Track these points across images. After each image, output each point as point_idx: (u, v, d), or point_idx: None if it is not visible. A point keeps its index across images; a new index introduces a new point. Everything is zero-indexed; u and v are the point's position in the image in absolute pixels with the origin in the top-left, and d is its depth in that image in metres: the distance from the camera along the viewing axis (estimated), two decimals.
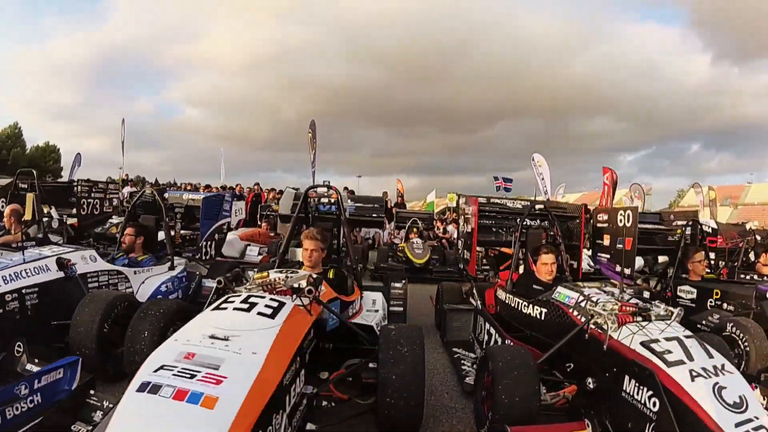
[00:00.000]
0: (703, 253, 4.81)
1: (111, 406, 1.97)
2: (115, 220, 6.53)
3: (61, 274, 3.21)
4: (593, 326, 2.61)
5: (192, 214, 4.93)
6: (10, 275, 2.90)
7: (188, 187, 14.04)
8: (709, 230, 6.25)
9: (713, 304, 4.34)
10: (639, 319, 2.53)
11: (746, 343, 3.44)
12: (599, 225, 5.47)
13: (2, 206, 5.18)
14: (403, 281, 4.56)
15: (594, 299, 2.80)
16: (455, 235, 8.86)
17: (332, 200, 4.29)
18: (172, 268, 4.29)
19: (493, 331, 3.59)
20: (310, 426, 2.13)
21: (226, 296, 2.25)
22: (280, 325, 1.89)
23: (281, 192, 10.23)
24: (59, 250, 3.42)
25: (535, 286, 3.71)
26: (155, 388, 1.46)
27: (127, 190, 12.43)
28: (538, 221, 4.99)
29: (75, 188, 5.20)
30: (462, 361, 3.73)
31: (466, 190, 20.80)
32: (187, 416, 1.37)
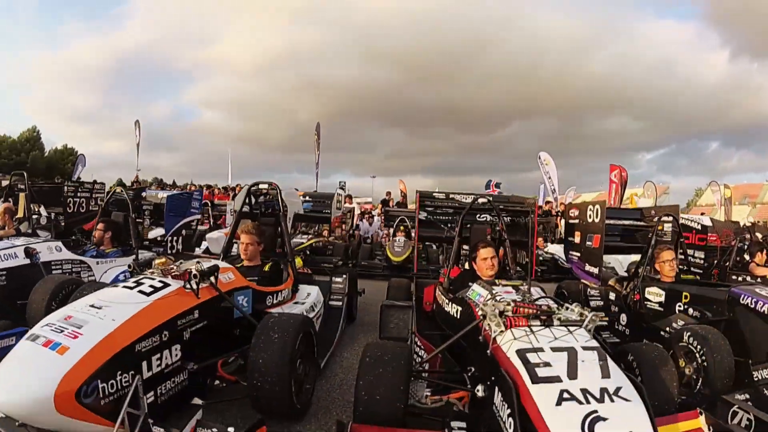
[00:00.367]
0: (672, 251, 4.35)
1: None
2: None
3: (27, 261, 3.79)
4: (487, 327, 2.38)
5: (161, 211, 5.49)
6: None
7: (192, 188, 14.85)
8: (698, 227, 6.02)
9: (682, 308, 3.82)
10: (536, 323, 2.25)
11: (704, 357, 2.89)
12: (571, 221, 5.30)
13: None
14: (344, 276, 4.78)
15: (498, 298, 2.61)
16: None
17: (270, 197, 4.56)
18: (136, 260, 4.84)
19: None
20: (196, 400, 2.41)
21: (134, 278, 2.72)
22: (150, 301, 2.31)
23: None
24: (29, 240, 4.01)
25: (470, 283, 3.52)
26: (35, 337, 1.97)
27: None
28: (489, 216, 4.86)
29: (63, 189, 5.84)
30: None
31: (479, 190, 20.92)
32: (45, 358, 1.85)
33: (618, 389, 1.80)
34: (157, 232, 6.43)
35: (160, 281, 2.56)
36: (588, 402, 1.73)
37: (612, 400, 1.74)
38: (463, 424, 2.22)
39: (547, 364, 1.94)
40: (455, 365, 3.02)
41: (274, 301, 3.62)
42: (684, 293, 3.84)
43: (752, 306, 3.25)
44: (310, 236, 9.24)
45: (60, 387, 1.78)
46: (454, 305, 3.39)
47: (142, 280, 2.56)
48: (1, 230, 5.29)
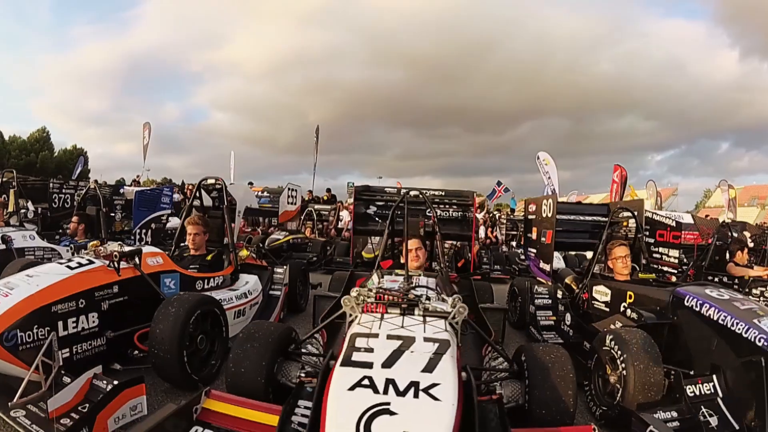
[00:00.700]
0: (625, 248, 4.04)
1: None
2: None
3: (3, 247, 4.45)
4: (348, 312, 2.34)
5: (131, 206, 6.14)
6: None
7: (189, 188, 15.60)
8: (673, 224, 5.44)
9: (625, 308, 3.51)
10: (396, 311, 2.20)
11: (624, 365, 2.50)
12: (529, 216, 5.24)
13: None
14: (285, 267, 5.10)
15: (386, 286, 2.65)
16: None
17: (217, 189, 4.90)
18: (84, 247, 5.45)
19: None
20: (116, 366, 2.86)
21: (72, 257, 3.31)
22: (70, 274, 2.86)
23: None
24: (7, 229, 4.68)
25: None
26: None
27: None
28: (439, 211, 5.00)
29: (49, 185, 6.53)
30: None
31: (488, 191, 21.19)
32: None
33: (433, 386, 1.62)
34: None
35: (88, 260, 3.11)
36: (385, 393, 1.58)
37: (416, 396, 1.58)
38: (309, 403, 2.08)
39: (369, 350, 1.86)
40: None
41: (205, 286, 3.93)
42: (629, 293, 3.55)
43: (697, 309, 2.85)
44: (286, 233, 9.83)
45: None
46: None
47: (75, 258, 3.15)
48: None
